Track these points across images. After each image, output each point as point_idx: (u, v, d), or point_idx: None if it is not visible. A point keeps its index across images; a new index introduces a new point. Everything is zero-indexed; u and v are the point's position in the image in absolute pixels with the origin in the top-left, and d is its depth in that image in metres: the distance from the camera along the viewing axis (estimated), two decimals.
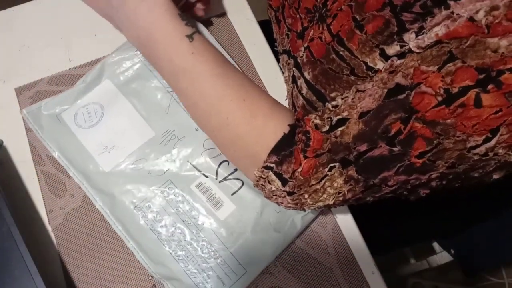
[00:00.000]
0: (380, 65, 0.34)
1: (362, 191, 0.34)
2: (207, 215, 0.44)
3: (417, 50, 0.29)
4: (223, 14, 0.59)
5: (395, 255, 1.05)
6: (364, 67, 0.35)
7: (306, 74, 0.41)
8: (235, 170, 0.45)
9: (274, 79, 0.54)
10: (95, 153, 0.46)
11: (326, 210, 0.47)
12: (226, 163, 0.45)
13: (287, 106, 0.49)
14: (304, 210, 0.39)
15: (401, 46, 0.32)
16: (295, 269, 0.44)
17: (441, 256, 0.93)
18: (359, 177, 0.33)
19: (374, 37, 0.34)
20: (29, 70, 0.56)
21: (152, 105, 0.48)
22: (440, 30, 0.28)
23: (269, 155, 0.37)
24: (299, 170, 0.35)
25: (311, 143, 0.35)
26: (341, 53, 0.37)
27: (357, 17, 0.35)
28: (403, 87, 0.30)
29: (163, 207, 0.44)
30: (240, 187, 0.45)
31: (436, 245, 0.95)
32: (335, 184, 0.34)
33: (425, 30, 0.30)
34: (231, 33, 0.58)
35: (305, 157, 0.35)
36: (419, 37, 0.30)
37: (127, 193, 0.45)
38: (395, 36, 0.32)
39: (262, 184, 0.38)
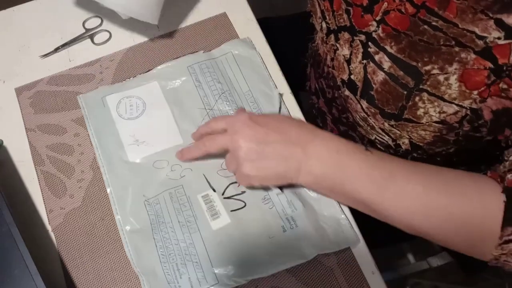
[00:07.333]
0: (495, 34, 0.33)
1: None
2: (202, 222, 0.45)
3: None
4: (223, 13, 0.59)
5: (395, 255, 1.05)
6: (474, 35, 0.34)
7: (388, 48, 0.40)
8: (243, 192, 0.47)
9: (274, 77, 0.54)
10: (126, 142, 0.50)
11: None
12: (236, 184, 0.47)
13: (324, 89, 0.48)
14: None
15: None
16: (295, 269, 0.44)
17: (441, 256, 0.93)
18: None
19: (477, 2, 0.33)
20: (29, 70, 0.56)
21: (188, 117, 0.52)
22: None
23: (504, 228, 0.35)
24: None
25: None
26: (433, 23, 0.36)
27: None
28: None
29: (167, 205, 0.47)
30: (241, 208, 0.46)
31: (436, 245, 0.95)
32: None
33: None
34: (231, 33, 0.58)
35: None
36: None
37: (142, 187, 0.48)
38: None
39: (505, 260, 0.37)
